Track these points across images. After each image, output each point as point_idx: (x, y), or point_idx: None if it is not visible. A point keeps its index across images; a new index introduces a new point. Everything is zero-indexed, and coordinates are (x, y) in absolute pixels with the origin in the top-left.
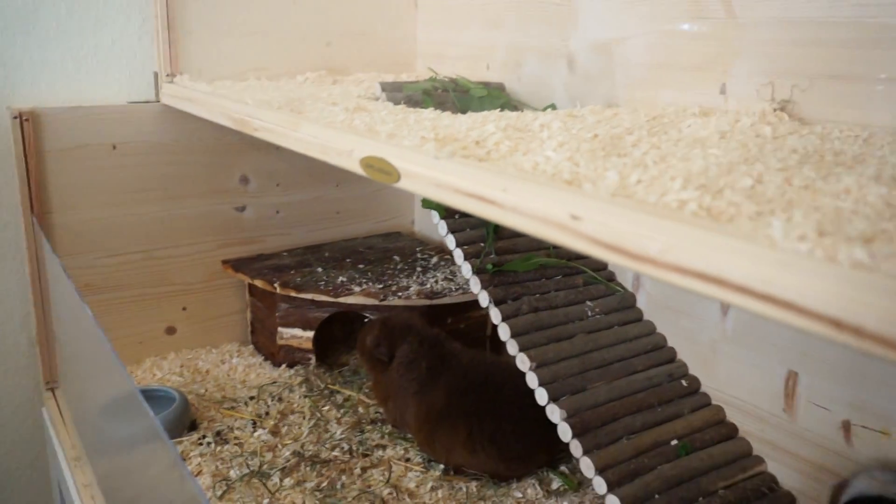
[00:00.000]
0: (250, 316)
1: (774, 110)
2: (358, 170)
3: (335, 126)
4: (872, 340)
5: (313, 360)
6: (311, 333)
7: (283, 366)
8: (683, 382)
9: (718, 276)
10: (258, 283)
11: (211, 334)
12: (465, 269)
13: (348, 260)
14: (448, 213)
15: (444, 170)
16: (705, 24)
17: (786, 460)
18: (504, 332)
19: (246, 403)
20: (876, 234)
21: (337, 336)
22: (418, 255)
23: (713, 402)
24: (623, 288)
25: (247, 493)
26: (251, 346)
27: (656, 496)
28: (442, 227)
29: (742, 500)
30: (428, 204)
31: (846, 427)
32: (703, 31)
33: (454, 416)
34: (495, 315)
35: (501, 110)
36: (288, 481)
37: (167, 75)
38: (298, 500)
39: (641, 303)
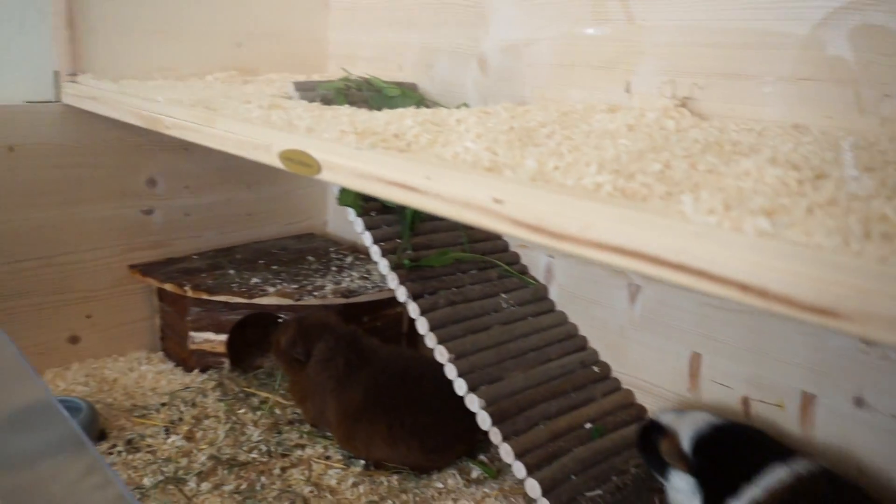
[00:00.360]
0: (159, 322)
1: (676, 106)
2: (277, 163)
3: (252, 121)
4: (776, 301)
5: (227, 364)
6: (224, 337)
7: (196, 371)
8: (595, 369)
9: (635, 250)
10: (168, 286)
11: (118, 342)
12: (383, 265)
13: (261, 261)
14: (364, 211)
15: (366, 160)
16: (608, 27)
17: None
18: (422, 325)
19: (157, 410)
20: (775, 208)
21: (250, 339)
22: (332, 255)
23: (623, 386)
24: (535, 280)
25: (162, 501)
26: (161, 353)
27: (573, 477)
28: (358, 224)
29: (652, 478)
30: (344, 201)
31: (745, 402)
32: (607, 34)
33: (374, 411)
34: (413, 309)
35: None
36: (205, 486)
37: (69, 74)
38: None
39: (553, 294)
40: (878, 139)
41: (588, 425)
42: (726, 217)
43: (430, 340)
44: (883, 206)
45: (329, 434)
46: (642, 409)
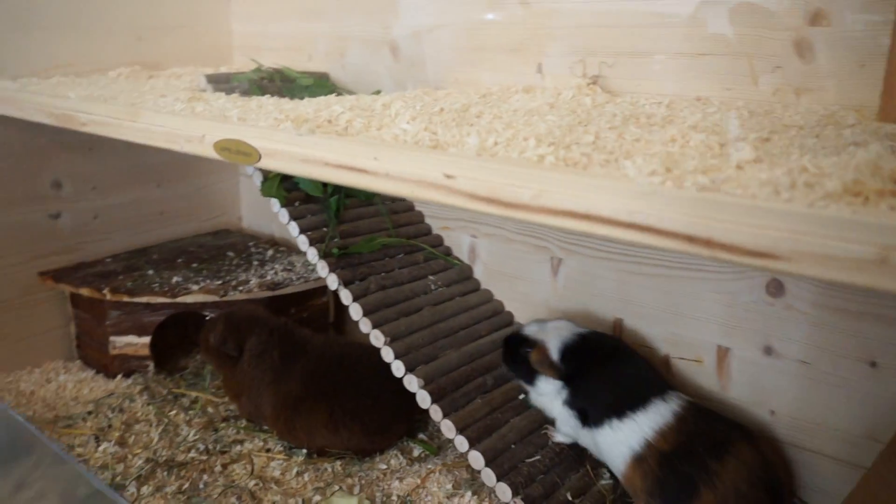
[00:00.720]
0: (75, 329)
1: (588, 84)
2: (211, 154)
3: (178, 114)
4: (720, 249)
5: (151, 367)
6: (147, 339)
7: (119, 376)
8: None
9: (587, 213)
10: (84, 291)
11: (31, 353)
12: (311, 254)
13: (180, 260)
14: (287, 201)
15: (310, 144)
16: (509, 12)
17: None
18: (356, 311)
19: (84, 420)
20: (708, 167)
21: (172, 340)
22: (252, 250)
23: None
24: (460, 261)
25: None
26: (79, 361)
27: (512, 446)
28: (283, 215)
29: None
30: (267, 192)
31: (666, 361)
32: (507, 18)
33: (313, 399)
34: (346, 296)
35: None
36: (146, 489)
37: None
38: None
39: (478, 273)
40: (772, 107)
41: (521, 396)
42: (668, 177)
43: (365, 325)
44: (800, 159)
45: (266, 427)
46: None
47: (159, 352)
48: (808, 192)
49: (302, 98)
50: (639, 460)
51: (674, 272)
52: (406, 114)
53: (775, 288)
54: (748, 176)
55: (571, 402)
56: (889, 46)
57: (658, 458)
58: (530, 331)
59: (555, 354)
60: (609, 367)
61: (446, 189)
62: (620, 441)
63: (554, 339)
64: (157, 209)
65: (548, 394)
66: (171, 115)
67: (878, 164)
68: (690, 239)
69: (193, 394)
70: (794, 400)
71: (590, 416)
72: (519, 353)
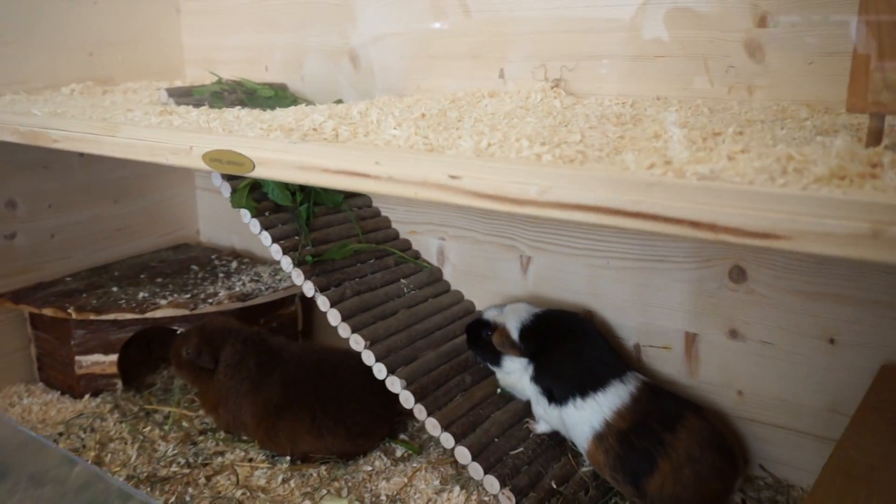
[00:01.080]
0: (35, 351)
1: (551, 88)
2: (200, 165)
3: (156, 128)
4: (724, 232)
5: (119, 385)
6: (114, 357)
7: (87, 396)
8: None
9: (595, 205)
10: (48, 311)
11: None
12: (285, 262)
13: (143, 276)
14: (258, 212)
15: (306, 152)
16: (468, 20)
17: None
18: (334, 317)
19: (56, 441)
20: (700, 158)
21: (136, 357)
22: (216, 263)
23: None
24: (429, 264)
25: None
26: (41, 384)
27: (496, 440)
28: (254, 225)
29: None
30: (237, 203)
31: (637, 349)
32: (476, 25)
33: (295, 405)
34: (323, 302)
35: (272, 109)
36: None
37: None
38: None
39: (448, 274)
40: (729, 104)
41: (499, 390)
42: (668, 168)
43: (344, 330)
44: (785, 148)
45: (245, 438)
46: None
47: (125, 369)
48: (800, 177)
49: (265, 109)
50: (600, 438)
51: (640, 264)
52: (389, 120)
53: (737, 275)
54: (742, 165)
55: (537, 379)
56: (873, 43)
57: (617, 436)
58: (490, 315)
59: (514, 334)
60: (569, 344)
61: (452, 189)
62: (583, 420)
63: (513, 320)
64: (114, 225)
65: (515, 371)
66: (152, 129)
67: (853, 150)
68: (695, 224)
69: (166, 409)
70: (760, 379)
71: (555, 393)
72: (481, 338)
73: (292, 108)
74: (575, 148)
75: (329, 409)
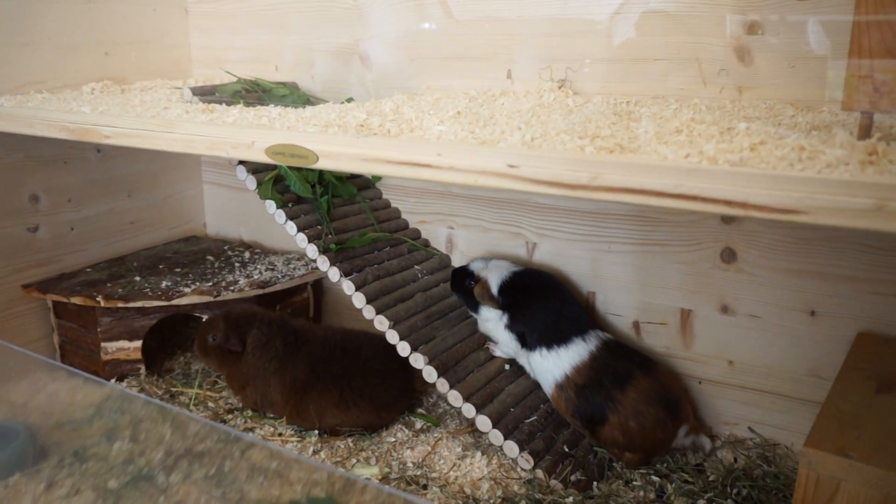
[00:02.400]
0: (58, 339)
1: (559, 87)
2: (263, 158)
3: (215, 123)
4: (754, 209)
5: (143, 370)
6: (138, 343)
7: (113, 381)
8: None
9: (641, 188)
10: (77, 300)
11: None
12: (311, 250)
13: (161, 266)
14: (283, 203)
15: (370, 146)
16: (478, 22)
17: None
18: (359, 300)
19: (89, 422)
20: (725, 150)
21: (154, 344)
22: (230, 253)
23: None
24: (438, 251)
25: (138, 498)
26: (64, 371)
27: (511, 409)
28: (280, 215)
29: None
30: (264, 195)
31: (636, 326)
32: (485, 27)
33: (323, 381)
34: (348, 286)
35: (304, 106)
36: (175, 477)
37: None
38: (194, 492)
39: (456, 261)
40: (722, 103)
41: (507, 367)
42: (702, 157)
43: (369, 312)
44: (794, 140)
45: (272, 415)
46: None
47: (145, 356)
48: (814, 163)
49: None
50: (561, 388)
51: (639, 248)
52: (430, 117)
53: (728, 256)
54: (764, 153)
55: (511, 327)
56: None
57: (575, 389)
58: (475, 266)
59: (494, 289)
60: (541, 300)
61: (511, 177)
62: (547, 370)
63: (494, 276)
64: (128, 219)
65: (492, 319)
66: (210, 125)
67: (852, 142)
68: (729, 203)
69: (191, 391)
70: (748, 349)
71: (527, 339)
72: (465, 286)
73: (325, 105)
74: (611, 141)
75: (355, 385)
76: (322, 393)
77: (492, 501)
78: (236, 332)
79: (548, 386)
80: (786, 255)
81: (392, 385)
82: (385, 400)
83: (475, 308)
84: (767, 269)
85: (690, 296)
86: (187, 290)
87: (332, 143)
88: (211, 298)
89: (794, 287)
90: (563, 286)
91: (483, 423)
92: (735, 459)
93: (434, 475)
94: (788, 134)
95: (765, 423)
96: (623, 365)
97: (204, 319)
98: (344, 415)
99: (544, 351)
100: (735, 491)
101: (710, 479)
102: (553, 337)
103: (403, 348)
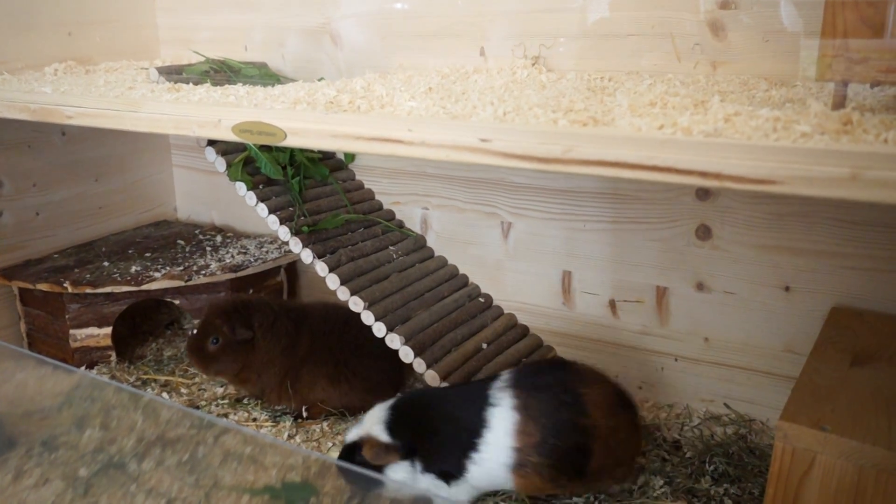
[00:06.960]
0: (25, 327)
1: (532, 65)
2: (230, 137)
3: (181, 102)
4: (729, 180)
5: (114, 357)
6: (108, 329)
7: (83, 368)
8: (481, 300)
9: (615, 161)
10: (43, 286)
11: None
12: (283, 232)
13: (131, 251)
14: (253, 185)
15: (340, 122)
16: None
17: (569, 342)
18: (332, 281)
19: (59, 410)
20: (699, 121)
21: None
22: (200, 237)
23: (506, 311)
24: (413, 232)
25: (109, 486)
26: (32, 360)
27: None
28: (250, 197)
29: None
30: (234, 177)
31: (612, 304)
32: (457, 4)
33: (319, 353)
34: (321, 268)
35: (273, 86)
36: (147, 465)
37: None
38: (167, 478)
39: (431, 242)
40: (696, 78)
41: (485, 345)
42: (676, 128)
43: (343, 293)
44: (769, 112)
45: (248, 400)
46: (525, 328)
47: (116, 342)
48: (788, 133)
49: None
50: (521, 466)
51: (615, 226)
52: (401, 94)
53: (703, 233)
54: (739, 124)
55: (429, 468)
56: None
57: (534, 450)
58: (352, 435)
59: (384, 437)
60: (433, 415)
61: (483, 151)
62: (492, 468)
63: (375, 425)
64: (96, 204)
65: (406, 474)
66: (176, 104)
67: (826, 112)
68: (704, 174)
69: (163, 378)
70: (724, 326)
71: (452, 471)
72: (358, 458)
73: (295, 83)
74: (585, 114)
75: (349, 361)
76: (317, 364)
77: None
78: (240, 321)
79: (506, 481)
80: (760, 231)
81: (385, 369)
82: (375, 381)
83: (382, 472)
84: (742, 246)
85: (666, 273)
86: (157, 274)
87: (301, 119)
88: (182, 283)
89: (769, 263)
90: (435, 388)
91: None
92: (712, 436)
93: None
94: (768, 106)
95: (741, 399)
96: (555, 388)
97: (190, 334)
98: (333, 389)
99: (475, 456)
100: (713, 468)
101: (688, 455)
102: (470, 435)
103: (379, 329)
